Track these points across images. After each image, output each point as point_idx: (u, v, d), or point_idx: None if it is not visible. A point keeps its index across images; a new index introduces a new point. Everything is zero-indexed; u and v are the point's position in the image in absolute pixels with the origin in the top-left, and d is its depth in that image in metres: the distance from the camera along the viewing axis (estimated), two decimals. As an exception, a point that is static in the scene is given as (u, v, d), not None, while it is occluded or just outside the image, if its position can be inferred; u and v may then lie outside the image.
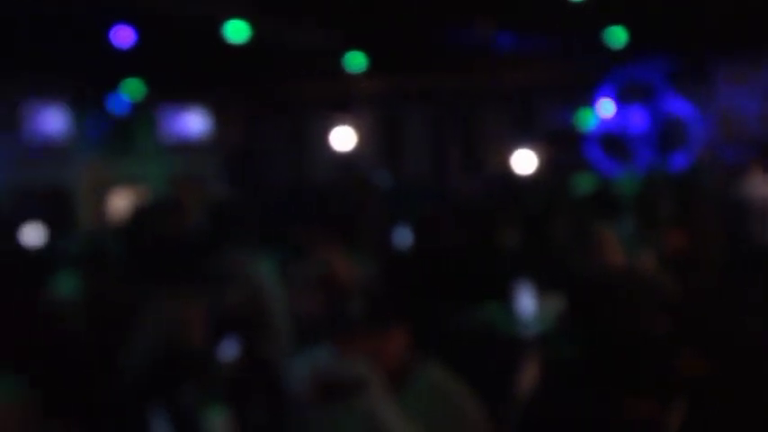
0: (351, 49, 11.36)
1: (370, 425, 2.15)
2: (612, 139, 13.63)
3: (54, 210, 11.10)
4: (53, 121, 12.93)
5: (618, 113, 13.60)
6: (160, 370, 3.04)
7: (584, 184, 10.48)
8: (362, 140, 14.49)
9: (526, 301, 4.46)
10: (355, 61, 11.52)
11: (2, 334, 4.08)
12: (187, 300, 3.24)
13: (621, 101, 13.52)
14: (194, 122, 14.64)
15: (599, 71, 13.24)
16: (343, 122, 14.39)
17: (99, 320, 3.93)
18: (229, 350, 3.40)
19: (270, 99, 14.75)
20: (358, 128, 14.40)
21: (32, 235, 8.32)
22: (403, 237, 7.10)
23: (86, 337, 3.96)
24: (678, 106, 13.29)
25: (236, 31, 9.34)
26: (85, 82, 12.20)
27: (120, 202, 12.97)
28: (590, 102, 13.70)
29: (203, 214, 9.24)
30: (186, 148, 14.45)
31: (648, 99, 13.44)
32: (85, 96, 12.75)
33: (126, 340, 3.32)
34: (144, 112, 13.66)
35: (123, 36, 9.30)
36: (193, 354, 3.13)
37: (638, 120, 13.57)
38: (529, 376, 3.49)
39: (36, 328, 4.08)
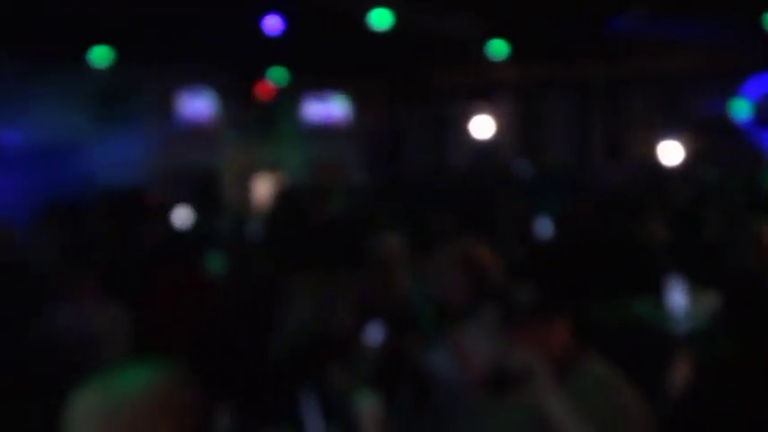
0: (493, 37, 11.25)
1: (535, 418, 2.11)
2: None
3: (202, 193, 11.52)
4: (202, 106, 13.48)
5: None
6: (307, 351, 3.09)
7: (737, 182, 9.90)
8: (503, 129, 14.36)
9: (677, 297, 4.31)
10: (497, 49, 11.40)
11: (159, 314, 4.27)
12: (332, 283, 3.30)
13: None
14: (336, 109, 14.90)
15: (752, 57, 12.60)
16: (484, 110, 14.29)
17: (245, 302, 4.04)
18: (374, 334, 3.41)
19: (411, 86, 14.80)
20: (499, 116, 14.28)
21: (183, 216, 8.65)
22: (544, 227, 6.99)
23: (233, 317, 4.08)
24: None
25: (380, 18, 9.43)
26: (234, 69, 12.61)
27: (263, 187, 13.36)
28: (743, 89, 13.09)
29: (343, 199, 9.44)
30: (327, 134, 14.70)
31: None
32: (233, 83, 13.18)
33: (271, 321, 3.40)
34: (287, 99, 13.97)
35: (272, 24, 9.56)
36: (339, 336, 3.17)
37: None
38: (680, 374, 3.38)
39: (191, 308, 4.25)
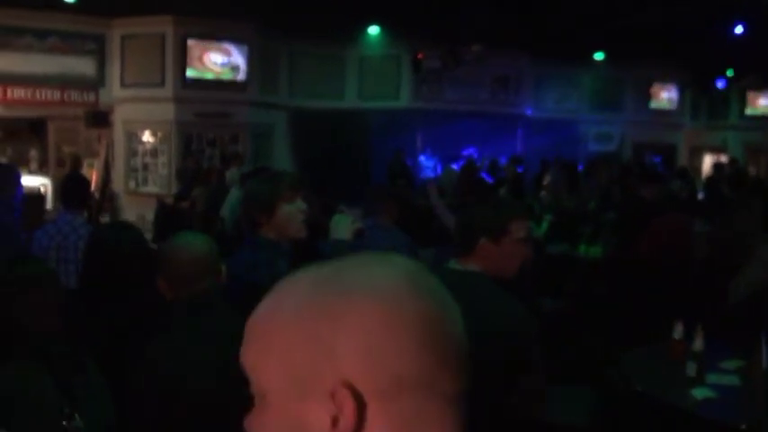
0: None
1: None
2: None
3: (665, 161, 12.19)
4: (670, 96, 14.11)
5: None
6: (759, 300, 3.02)
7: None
8: None
9: None
10: None
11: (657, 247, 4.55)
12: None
13: None
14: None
15: None
16: None
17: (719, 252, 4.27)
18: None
19: None
20: None
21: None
22: None
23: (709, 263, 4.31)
24: None
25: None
26: (695, 68, 12.91)
27: (709, 162, 13.66)
28: None
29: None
30: (763, 123, 14.14)
31: None
32: (694, 78, 13.51)
33: (735, 269, 3.38)
34: (736, 92, 13.84)
35: (737, 30, 9.79)
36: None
37: None
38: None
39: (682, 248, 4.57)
